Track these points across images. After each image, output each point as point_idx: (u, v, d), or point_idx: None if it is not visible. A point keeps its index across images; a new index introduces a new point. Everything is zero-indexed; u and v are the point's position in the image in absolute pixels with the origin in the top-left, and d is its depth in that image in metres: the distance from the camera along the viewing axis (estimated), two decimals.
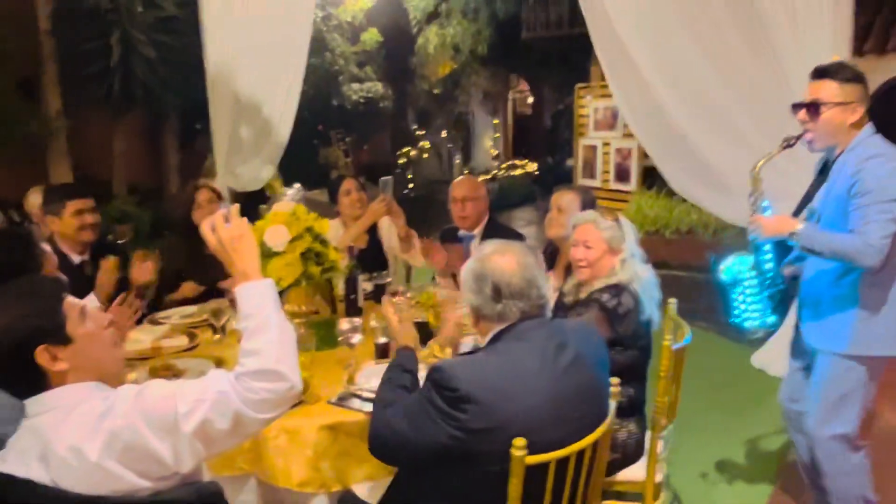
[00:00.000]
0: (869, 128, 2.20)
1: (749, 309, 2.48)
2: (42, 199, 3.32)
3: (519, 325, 1.64)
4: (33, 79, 7.71)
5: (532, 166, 15.65)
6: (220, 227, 1.49)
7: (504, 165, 15.32)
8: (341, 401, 2.02)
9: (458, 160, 14.51)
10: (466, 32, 10.55)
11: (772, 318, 2.48)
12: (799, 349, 2.51)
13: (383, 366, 2.19)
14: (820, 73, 2.23)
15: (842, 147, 2.22)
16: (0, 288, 1.43)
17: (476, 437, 1.49)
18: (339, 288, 2.90)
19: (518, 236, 3.39)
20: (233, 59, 5.42)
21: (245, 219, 1.54)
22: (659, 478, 2.25)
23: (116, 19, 7.36)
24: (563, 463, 1.52)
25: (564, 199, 2.93)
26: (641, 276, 2.32)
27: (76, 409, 1.33)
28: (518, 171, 15.25)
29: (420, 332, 2.54)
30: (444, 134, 13.92)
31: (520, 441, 1.45)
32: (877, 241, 2.05)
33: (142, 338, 2.58)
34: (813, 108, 2.21)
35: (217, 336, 2.60)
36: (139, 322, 2.70)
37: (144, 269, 2.83)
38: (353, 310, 2.82)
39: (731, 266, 2.49)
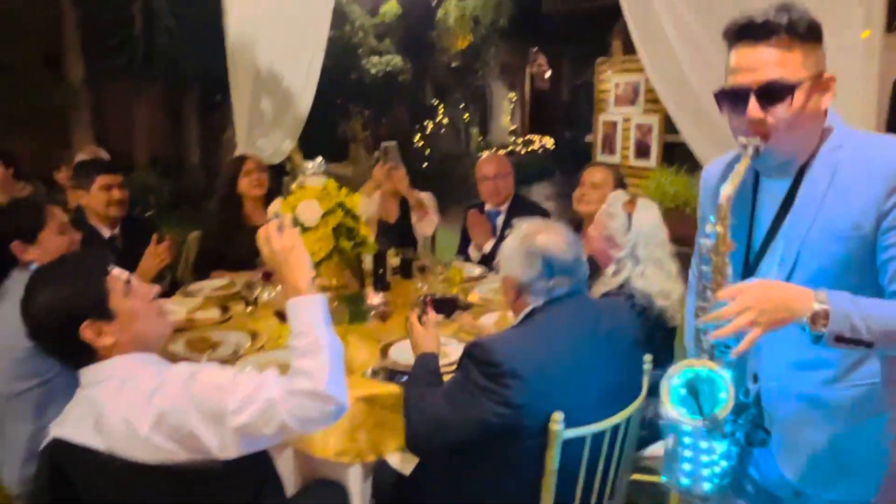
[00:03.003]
0: (833, 115, 1.35)
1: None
2: (72, 172, 3.36)
3: (557, 302, 1.66)
4: (56, 50, 7.74)
5: (549, 141, 15.56)
6: (274, 238, 1.51)
7: (521, 140, 15.22)
8: (375, 374, 2.06)
9: (476, 134, 14.45)
10: (487, 5, 10.43)
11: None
12: (751, 489, 1.51)
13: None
14: (767, 30, 1.27)
15: (810, 149, 1.34)
16: (43, 267, 1.48)
17: (519, 412, 1.51)
18: (367, 262, 2.93)
19: (543, 212, 3.41)
20: (254, 29, 5.38)
21: (297, 230, 1.57)
22: None
23: None
24: (598, 437, 1.56)
25: (598, 176, 2.94)
26: (644, 272, 2.18)
27: (129, 383, 1.37)
28: (535, 147, 15.16)
29: (449, 308, 2.59)
30: (462, 108, 13.84)
31: (557, 415, 1.48)
32: None
33: (175, 309, 2.63)
34: (771, 93, 1.27)
35: (249, 308, 2.64)
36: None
37: (161, 251, 2.80)
38: (380, 284, 2.86)
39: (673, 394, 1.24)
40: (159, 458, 1.32)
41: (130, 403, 1.33)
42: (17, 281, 1.99)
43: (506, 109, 15.85)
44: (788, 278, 1.33)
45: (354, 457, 1.92)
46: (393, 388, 1.96)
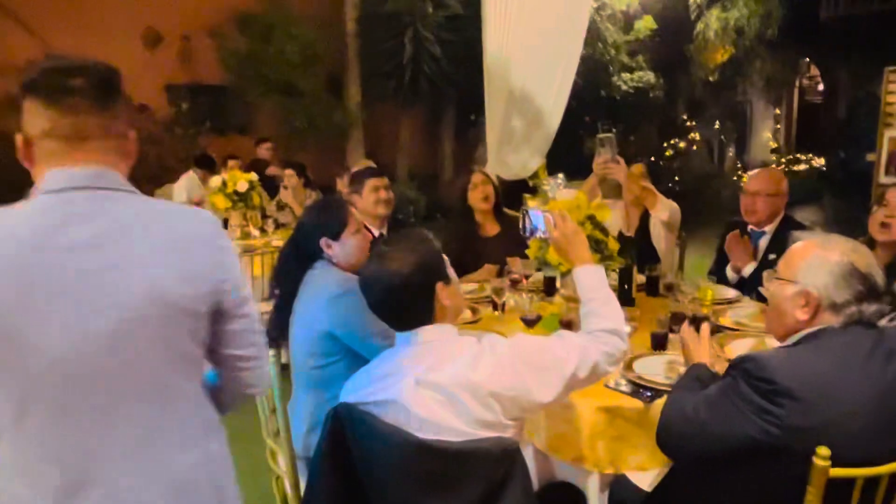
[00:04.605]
0: None
1: None
2: (348, 181, 3.83)
3: (854, 325, 1.53)
4: (339, 76, 8.84)
5: (818, 161, 14.02)
6: (561, 225, 1.95)
7: (784, 159, 13.94)
8: (618, 387, 2.05)
9: (731, 153, 13.54)
10: (754, 14, 9.74)
11: None
12: None
13: (660, 357, 2.21)
14: None
15: None
16: (394, 237, 1.72)
17: (790, 435, 1.42)
18: (612, 278, 2.91)
19: None
20: (509, 52, 5.65)
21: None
22: None
23: (410, 20, 8.11)
24: (872, 482, 1.40)
25: None
26: None
27: (453, 345, 1.55)
28: (801, 166, 13.78)
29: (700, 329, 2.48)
30: (717, 125, 13.06)
31: (823, 451, 1.36)
32: None
33: None
34: None
35: (497, 313, 2.78)
36: None
37: None
38: (626, 300, 2.82)
39: None
40: (474, 423, 1.44)
41: (461, 365, 1.48)
42: (321, 272, 2.23)
43: (768, 126, 14.61)
44: None
45: (592, 465, 1.93)
46: (636, 403, 1.94)
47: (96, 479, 1.16)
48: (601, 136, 3.17)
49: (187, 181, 6.69)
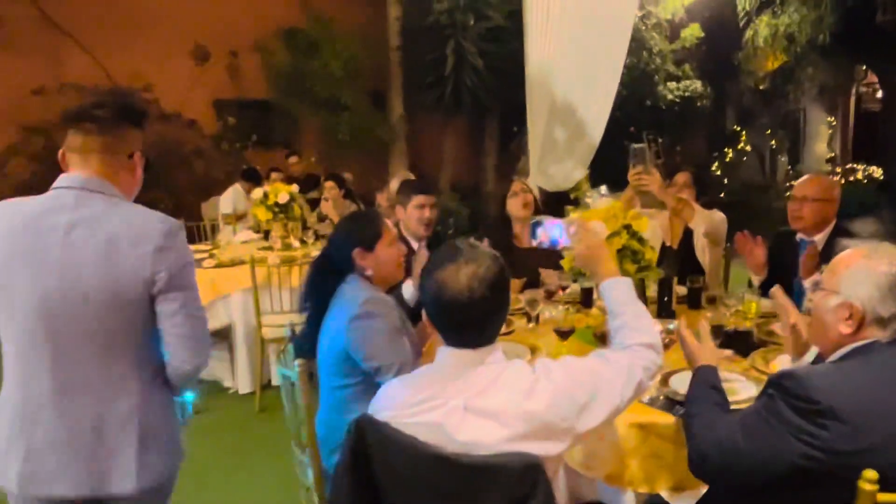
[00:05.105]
0: None
1: None
2: (399, 188, 3.81)
3: None
4: (382, 89, 8.92)
5: (877, 171, 13.51)
6: (585, 237, 1.89)
7: (840, 169, 13.48)
8: (653, 403, 1.97)
9: (783, 163, 13.15)
10: (805, 20, 9.45)
11: None
12: None
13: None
14: None
15: None
16: (474, 250, 1.48)
17: (838, 460, 1.33)
18: (652, 289, 2.83)
19: None
20: (551, 62, 5.60)
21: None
22: None
23: (452, 33, 8.14)
24: None
25: None
26: None
27: (504, 370, 1.44)
28: (858, 177, 13.31)
29: (742, 343, 2.38)
30: (768, 134, 12.71)
31: (870, 474, 1.27)
32: None
33: None
34: None
35: (531, 324, 2.72)
36: None
37: None
38: (665, 312, 2.74)
39: None
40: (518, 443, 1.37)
41: (518, 387, 1.41)
42: (350, 286, 2.18)
43: (822, 135, 14.15)
44: None
45: (627, 482, 1.86)
46: (670, 419, 1.86)
47: (42, 414, 1.58)
48: (634, 146, 3.07)
49: (233, 193, 6.83)
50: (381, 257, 2.22)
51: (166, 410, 1.71)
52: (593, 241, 1.88)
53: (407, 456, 1.43)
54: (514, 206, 3.60)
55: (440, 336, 1.50)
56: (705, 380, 1.74)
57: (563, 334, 2.43)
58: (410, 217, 3.32)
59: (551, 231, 2.23)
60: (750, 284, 3.23)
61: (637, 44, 9.33)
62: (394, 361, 2.01)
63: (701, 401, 1.67)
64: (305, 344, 2.25)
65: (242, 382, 4.41)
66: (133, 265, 1.55)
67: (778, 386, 1.42)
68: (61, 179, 1.60)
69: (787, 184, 12.29)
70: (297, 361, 2.00)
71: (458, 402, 1.40)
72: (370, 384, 2.01)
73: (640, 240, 2.47)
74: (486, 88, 8.34)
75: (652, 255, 2.50)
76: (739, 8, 9.61)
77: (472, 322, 1.43)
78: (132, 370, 1.61)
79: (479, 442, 1.37)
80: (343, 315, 2.10)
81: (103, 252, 1.53)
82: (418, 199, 3.30)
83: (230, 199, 6.80)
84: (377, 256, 2.21)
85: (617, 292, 1.77)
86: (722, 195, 10.86)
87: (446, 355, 1.48)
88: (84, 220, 1.55)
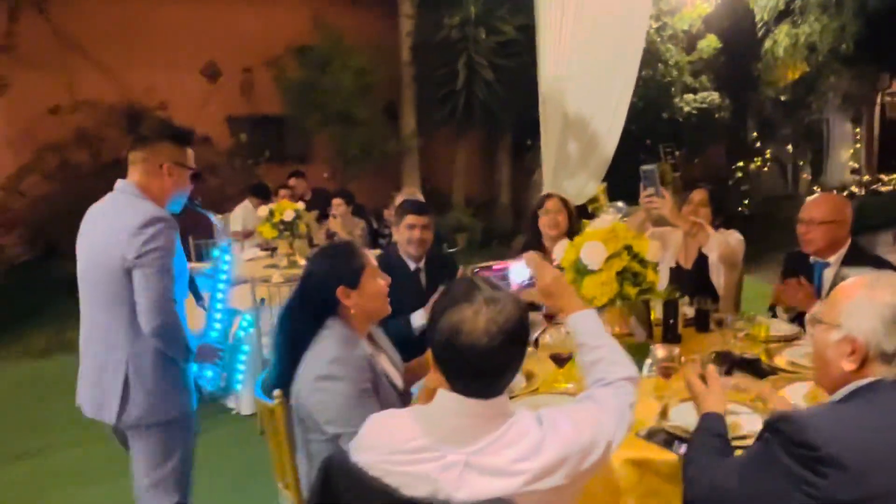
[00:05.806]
0: None
1: None
2: (395, 208, 3.74)
3: None
4: (394, 104, 8.90)
5: None
6: (543, 274, 1.83)
7: (865, 180, 13.20)
8: (651, 436, 1.85)
9: (805, 175, 12.89)
10: (826, 29, 9.25)
11: None
12: None
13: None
14: None
15: None
16: (496, 291, 1.35)
17: None
18: (657, 311, 2.71)
19: (890, 269, 2.73)
20: (564, 75, 5.52)
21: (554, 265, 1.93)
22: None
23: (463, 47, 8.10)
24: None
25: None
26: None
27: (507, 425, 1.33)
28: (885, 188, 13.02)
29: (752, 370, 2.25)
30: (789, 146, 12.47)
31: None
32: None
33: None
34: None
35: (529, 349, 2.61)
36: None
37: None
38: (670, 336, 2.62)
39: None
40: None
41: (525, 445, 1.32)
42: (333, 331, 1.96)
43: (847, 146, 13.86)
44: None
45: None
46: (669, 456, 1.75)
47: (84, 351, 2.30)
48: (643, 168, 2.91)
49: (243, 210, 6.80)
50: (368, 291, 2.03)
51: (154, 363, 2.18)
52: (553, 276, 1.83)
53: (373, 500, 1.33)
54: (543, 224, 3.53)
55: (444, 379, 1.36)
56: (709, 427, 1.63)
57: (560, 361, 2.32)
58: (402, 236, 3.27)
59: (521, 273, 2.24)
60: (774, 314, 3.03)
61: (653, 56, 9.21)
62: (356, 429, 1.56)
63: (702, 449, 1.57)
64: (275, 384, 2.02)
65: (245, 404, 4.35)
66: (117, 245, 2.10)
67: (775, 430, 1.31)
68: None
69: (808, 195, 12.05)
70: (275, 392, 1.91)
71: (457, 458, 1.30)
72: (337, 445, 1.84)
73: (642, 261, 2.36)
74: (498, 102, 8.27)
75: (654, 277, 2.38)
76: (758, 18, 9.46)
77: (485, 372, 1.30)
78: (125, 328, 2.15)
79: (479, 499, 1.27)
80: (312, 369, 1.91)
81: (107, 235, 2.15)
82: (409, 219, 3.23)
83: (240, 215, 6.78)
84: (363, 291, 2.01)
85: (588, 325, 1.70)
86: (741, 208, 10.65)
87: (449, 401, 1.34)
88: (105, 212, 2.24)
